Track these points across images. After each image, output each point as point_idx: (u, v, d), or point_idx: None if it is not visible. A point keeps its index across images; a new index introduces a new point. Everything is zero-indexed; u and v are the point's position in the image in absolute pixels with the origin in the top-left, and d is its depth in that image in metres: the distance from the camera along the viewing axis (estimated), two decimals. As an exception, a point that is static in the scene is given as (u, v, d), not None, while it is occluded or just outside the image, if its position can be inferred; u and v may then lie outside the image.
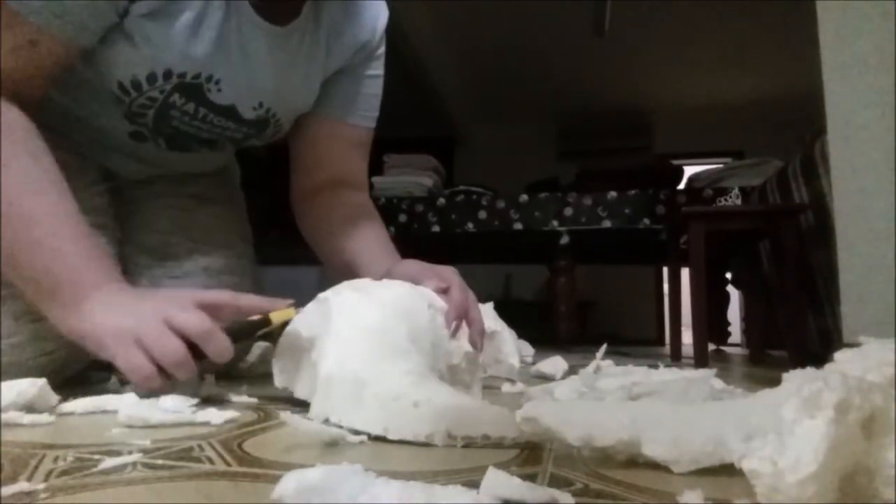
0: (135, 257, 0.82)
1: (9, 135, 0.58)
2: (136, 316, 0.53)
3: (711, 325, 1.84)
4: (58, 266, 0.56)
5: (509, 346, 0.80)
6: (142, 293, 0.59)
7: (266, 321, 0.57)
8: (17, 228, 0.56)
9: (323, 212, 0.86)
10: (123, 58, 0.66)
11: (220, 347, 0.53)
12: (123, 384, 0.54)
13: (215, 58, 0.69)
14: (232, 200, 0.96)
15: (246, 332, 0.57)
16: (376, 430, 0.41)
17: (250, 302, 0.58)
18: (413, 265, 0.73)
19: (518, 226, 2.51)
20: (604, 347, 0.92)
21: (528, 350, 1.45)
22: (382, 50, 0.88)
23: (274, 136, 0.85)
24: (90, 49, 0.65)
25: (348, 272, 0.79)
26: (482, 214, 2.55)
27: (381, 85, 0.89)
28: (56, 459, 0.34)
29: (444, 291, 0.65)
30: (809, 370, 0.30)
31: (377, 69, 0.88)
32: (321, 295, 0.57)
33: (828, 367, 0.30)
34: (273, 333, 0.59)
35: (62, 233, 0.57)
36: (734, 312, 3.15)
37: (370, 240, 0.82)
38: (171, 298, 0.56)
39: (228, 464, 0.34)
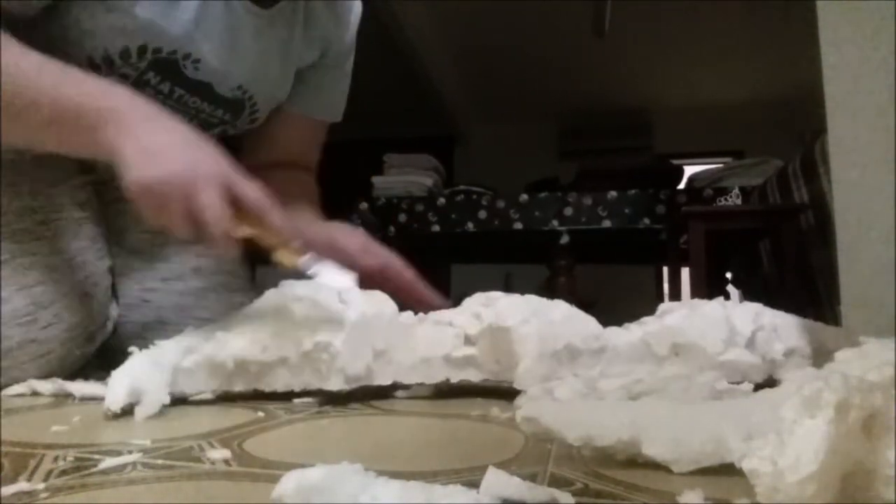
0: (122, 259, 0.81)
1: None
2: (163, 174, 0.52)
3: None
4: (72, 96, 0.55)
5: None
6: (176, 138, 0.56)
7: (270, 249, 0.56)
8: (29, 79, 0.55)
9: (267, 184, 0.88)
10: (96, 31, 0.65)
11: (228, 251, 0.54)
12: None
13: (195, 35, 0.69)
14: None
15: (255, 245, 0.56)
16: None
17: (276, 223, 0.55)
18: (346, 236, 0.78)
19: (518, 225, 2.51)
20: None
21: None
22: (353, 46, 0.90)
23: (250, 122, 0.84)
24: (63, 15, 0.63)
25: None
26: (482, 214, 2.55)
27: (349, 80, 0.92)
28: (56, 459, 0.34)
29: (380, 273, 0.73)
30: (809, 370, 0.30)
31: (348, 65, 0.91)
32: None
33: (828, 367, 0.30)
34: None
35: (66, 73, 0.56)
36: (734, 312, 3.14)
37: (301, 211, 0.85)
38: (202, 173, 0.53)
39: (228, 464, 0.34)
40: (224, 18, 0.70)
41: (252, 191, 0.55)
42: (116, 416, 0.47)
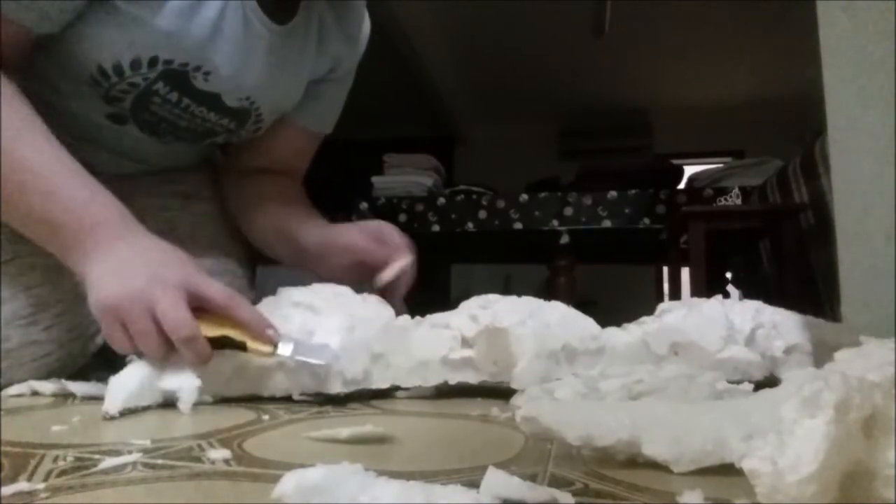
0: None
1: None
2: (126, 291, 0.51)
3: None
4: (54, 210, 0.56)
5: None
6: (141, 253, 0.56)
7: (243, 346, 0.53)
8: (8, 175, 0.55)
9: (256, 187, 0.89)
10: (108, 40, 0.64)
11: (200, 355, 0.51)
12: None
13: (207, 49, 0.69)
14: (218, 198, 0.95)
15: (227, 345, 0.53)
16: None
17: (244, 318, 0.53)
18: (352, 231, 0.78)
19: (518, 225, 2.51)
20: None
21: None
22: (358, 62, 0.92)
23: (254, 132, 0.85)
24: (64, 33, 0.63)
25: (275, 241, 0.85)
26: (482, 214, 2.55)
27: (346, 94, 0.94)
28: (56, 459, 0.34)
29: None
30: (809, 370, 0.30)
31: (349, 81, 0.92)
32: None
33: (828, 367, 0.30)
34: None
35: (54, 176, 0.56)
36: (734, 312, 3.14)
37: (300, 209, 0.86)
38: (163, 283, 0.52)
39: (228, 464, 0.34)
40: (240, 33, 0.71)
41: (216, 290, 0.54)
42: (115, 418, 0.47)
